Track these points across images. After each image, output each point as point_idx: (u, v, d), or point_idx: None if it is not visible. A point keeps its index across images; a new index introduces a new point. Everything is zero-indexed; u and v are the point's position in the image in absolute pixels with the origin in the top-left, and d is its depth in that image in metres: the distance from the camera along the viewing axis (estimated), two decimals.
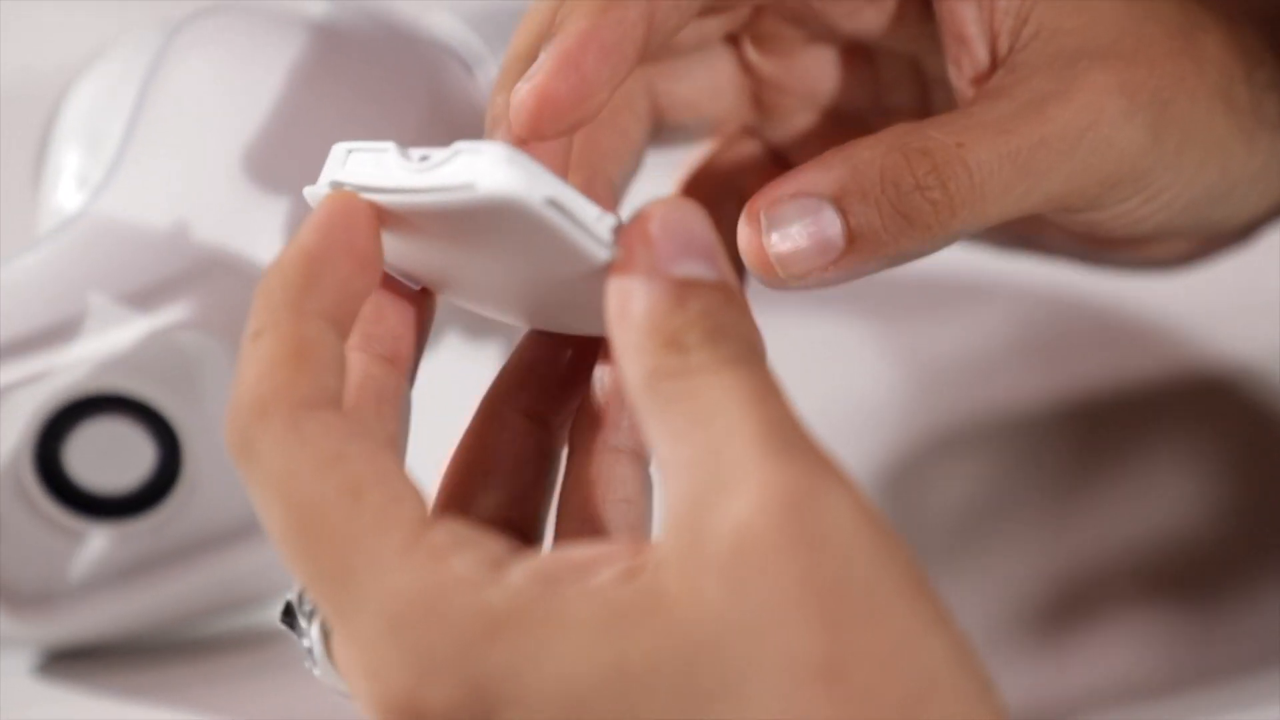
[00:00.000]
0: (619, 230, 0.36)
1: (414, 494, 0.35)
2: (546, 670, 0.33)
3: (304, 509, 0.35)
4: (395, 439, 0.39)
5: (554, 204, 0.36)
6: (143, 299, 0.48)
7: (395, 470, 0.36)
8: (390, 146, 0.37)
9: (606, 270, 0.36)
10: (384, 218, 0.37)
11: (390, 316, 0.40)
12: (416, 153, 0.37)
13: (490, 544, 0.35)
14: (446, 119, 0.52)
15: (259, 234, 0.48)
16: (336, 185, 0.38)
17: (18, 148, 0.51)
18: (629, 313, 0.35)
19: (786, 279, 0.42)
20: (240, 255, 0.48)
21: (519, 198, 0.35)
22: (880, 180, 0.42)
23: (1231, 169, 0.46)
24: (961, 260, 0.53)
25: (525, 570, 0.34)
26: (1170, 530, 0.54)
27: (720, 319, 0.35)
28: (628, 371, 0.35)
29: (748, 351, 0.35)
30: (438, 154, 0.36)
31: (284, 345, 0.36)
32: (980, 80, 0.45)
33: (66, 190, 0.51)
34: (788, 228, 0.42)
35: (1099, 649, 0.50)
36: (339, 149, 0.38)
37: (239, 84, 0.50)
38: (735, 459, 0.33)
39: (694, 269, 0.35)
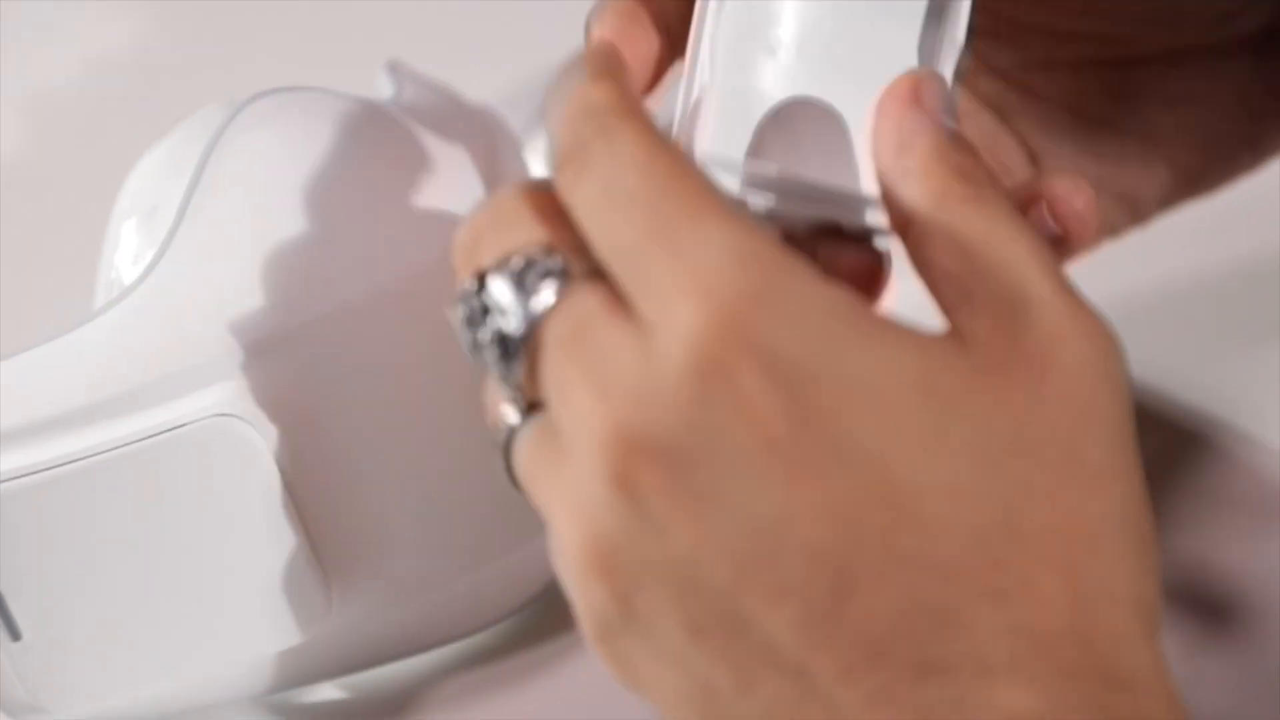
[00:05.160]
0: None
1: None
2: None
3: (657, 170, 0.38)
4: None
5: None
6: (185, 381, 0.47)
7: None
8: None
9: None
10: None
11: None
12: None
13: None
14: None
15: (310, 315, 0.48)
16: None
17: (85, 224, 0.50)
18: (913, 146, 0.41)
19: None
20: (290, 337, 0.48)
21: None
22: None
23: None
24: None
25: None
26: None
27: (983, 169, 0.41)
28: (910, 192, 0.40)
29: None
30: None
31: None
32: None
33: (124, 265, 0.51)
34: None
35: None
36: None
37: (298, 159, 0.50)
38: (1041, 290, 0.38)
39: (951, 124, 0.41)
